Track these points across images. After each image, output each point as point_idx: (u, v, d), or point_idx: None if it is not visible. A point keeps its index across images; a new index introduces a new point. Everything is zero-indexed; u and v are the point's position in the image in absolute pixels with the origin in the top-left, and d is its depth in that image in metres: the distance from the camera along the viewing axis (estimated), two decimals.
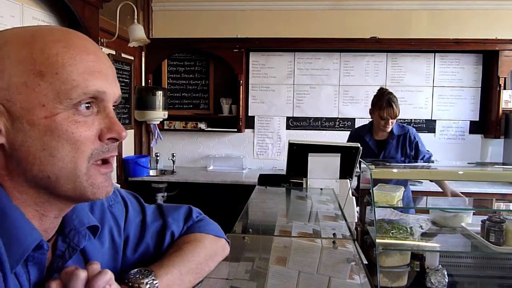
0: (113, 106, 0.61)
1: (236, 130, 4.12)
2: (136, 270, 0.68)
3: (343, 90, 4.18)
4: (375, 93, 2.86)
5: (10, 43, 0.54)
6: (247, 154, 4.31)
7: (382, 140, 2.86)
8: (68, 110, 0.54)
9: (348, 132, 4.19)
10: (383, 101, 2.71)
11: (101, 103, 0.58)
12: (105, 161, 0.59)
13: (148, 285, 0.65)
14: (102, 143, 0.58)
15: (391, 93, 2.78)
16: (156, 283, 0.66)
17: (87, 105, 0.56)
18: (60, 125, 0.53)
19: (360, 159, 1.84)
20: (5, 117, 0.53)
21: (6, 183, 0.55)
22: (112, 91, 0.59)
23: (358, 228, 1.79)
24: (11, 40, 0.54)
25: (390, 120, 2.73)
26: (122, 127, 0.59)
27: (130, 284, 0.65)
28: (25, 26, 0.59)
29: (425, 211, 2.23)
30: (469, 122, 4.07)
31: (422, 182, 3.52)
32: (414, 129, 2.91)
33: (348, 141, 2.96)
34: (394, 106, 2.70)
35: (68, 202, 0.60)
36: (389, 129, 2.78)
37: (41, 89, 0.53)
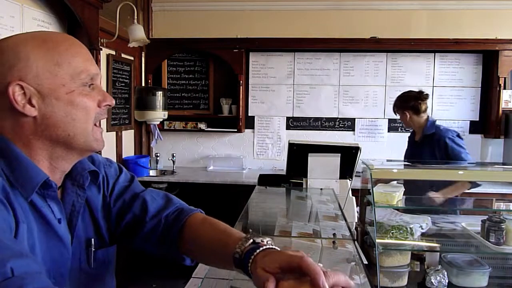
0: None
1: (236, 130, 4.12)
2: (246, 239, 0.75)
3: (343, 90, 4.18)
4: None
5: (28, 45, 0.75)
6: (247, 154, 4.30)
7: (417, 141, 2.80)
8: (79, 88, 0.78)
9: (349, 132, 4.25)
10: None
11: (95, 82, 0.81)
12: (98, 124, 0.83)
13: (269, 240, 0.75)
14: (100, 109, 0.81)
15: (408, 91, 2.86)
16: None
17: (89, 83, 0.80)
18: (77, 98, 0.77)
19: (361, 159, 1.83)
20: (37, 96, 0.74)
21: (30, 143, 0.76)
22: (99, 72, 0.83)
23: (358, 228, 1.78)
24: (28, 43, 0.75)
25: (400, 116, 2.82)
26: (111, 97, 0.83)
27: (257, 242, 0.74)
28: (26, 33, 0.80)
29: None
30: (469, 122, 4.07)
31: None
32: (452, 132, 2.68)
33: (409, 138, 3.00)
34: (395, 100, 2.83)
35: (77, 155, 0.82)
36: (406, 126, 2.98)
37: (60, 74, 0.76)
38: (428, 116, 2.78)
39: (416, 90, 2.83)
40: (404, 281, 1.64)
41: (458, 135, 2.69)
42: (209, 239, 0.85)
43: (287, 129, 4.26)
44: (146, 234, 0.92)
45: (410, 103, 2.73)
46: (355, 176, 1.85)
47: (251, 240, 0.74)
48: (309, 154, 1.76)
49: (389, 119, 4.14)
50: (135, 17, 3.36)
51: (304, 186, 1.77)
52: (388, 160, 3.39)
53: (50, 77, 0.75)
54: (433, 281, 1.58)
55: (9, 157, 0.74)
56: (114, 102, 0.83)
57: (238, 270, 0.74)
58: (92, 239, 0.87)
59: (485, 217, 1.75)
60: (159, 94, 3.90)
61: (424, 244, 1.77)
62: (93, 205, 0.90)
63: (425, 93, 2.75)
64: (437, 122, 2.80)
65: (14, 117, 0.75)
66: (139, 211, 0.94)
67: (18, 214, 0.70)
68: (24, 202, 0.73)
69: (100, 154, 1.02)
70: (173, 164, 4.06)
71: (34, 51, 0.74)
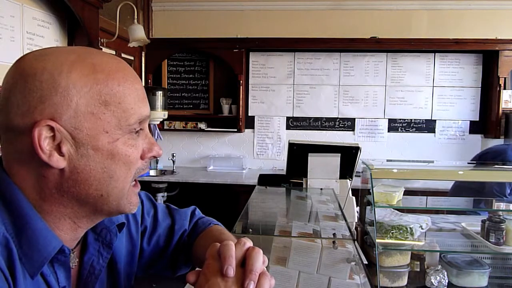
0: None
1: (236, 130, 4.12)
2: None
3: (343, 90, 4.18)
4: None
5: (74, 71, 0.56)
6: (247, 154, 4.31)
7: None
8: (124, 135, 0.60)
9: (349, 132, 4.25)
10: None
11: (142, 125, 0.63)
12: (136, 182, 0.66)
13: None
14: (143, 161, 0.64)
15: None
16: None
17: (137, 129, 0.62)
18: (120, 149, 0.59)
19: (361, 159, 1.83)
20: (69, 143, 0.57)
21: (51, 198, 0.59)
22: (150, 113, 0.65)
23: (358, 228, 1.78)
24: (73, 68, 0.57)
25: None
26: (159, 146, 0.65)
27: None
28: (71, 49, 0.61)
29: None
30: (469, 122, 4.07)
31: None
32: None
33: None
34: None
35: (104, 216, 0.66)
36: None
37: (105, 117, 0.58)
38: None
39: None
40: (404, 281, 1.64)
41: None
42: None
43: (287, 129, 4.26)
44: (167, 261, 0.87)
45: None
46: (355, 176, 1.85)
47: None
48: (309, 154, 1.76)
49: (389, 119, 4.14)
50: (135, 17, 3.36)
51: (304, 186, 1.78)
52: (388, 160, 3.39)
53: (92, 119, 0.57)
54: (433, 281, 1.58)
55: (14, 217, 0.57)
56: (161, 153, 0.66)
57: None
58: None
59: (485, 217, 1.75)
60: (159, 94, 3.90)
61: (424, 244, 1.77)
62: (117, 256, 0.74)
63: None
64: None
65: (35, 164, 0.57)
66: (163, 242, 0.86)
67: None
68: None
69: None
70: (173, 164, 4.06)
71: (79, 81, 0.56)
